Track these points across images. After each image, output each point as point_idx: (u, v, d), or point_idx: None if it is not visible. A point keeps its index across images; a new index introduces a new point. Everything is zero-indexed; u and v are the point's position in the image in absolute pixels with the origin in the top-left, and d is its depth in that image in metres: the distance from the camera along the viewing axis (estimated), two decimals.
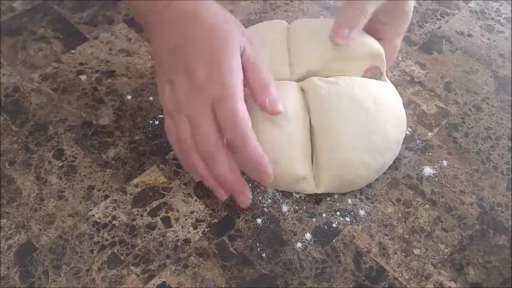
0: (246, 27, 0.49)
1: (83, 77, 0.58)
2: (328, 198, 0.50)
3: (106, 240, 0.47)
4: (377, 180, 0.51)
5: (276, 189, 0.50)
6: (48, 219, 0.48)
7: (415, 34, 0.65)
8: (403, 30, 0.54)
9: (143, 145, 0.53)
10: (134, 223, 0.48)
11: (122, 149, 0.53)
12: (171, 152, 0.52)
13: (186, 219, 0.48)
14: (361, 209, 0.50)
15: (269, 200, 0.50)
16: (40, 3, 0.66)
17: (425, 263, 0.47)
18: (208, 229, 0.48)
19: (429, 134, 0.55)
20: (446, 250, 0.47)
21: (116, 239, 0.47)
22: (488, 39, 0.65)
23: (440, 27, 0.66)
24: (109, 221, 0.48)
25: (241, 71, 0.43)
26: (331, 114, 0.49)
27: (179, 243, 0.47)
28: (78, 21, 0.64)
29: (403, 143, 0.53)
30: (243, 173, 0.52)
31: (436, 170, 0.53)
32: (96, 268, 0.45)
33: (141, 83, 0.58)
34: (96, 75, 0.59)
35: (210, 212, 0.49)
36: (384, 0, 0.49)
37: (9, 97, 0.56)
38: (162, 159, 0.52)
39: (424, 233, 0.48)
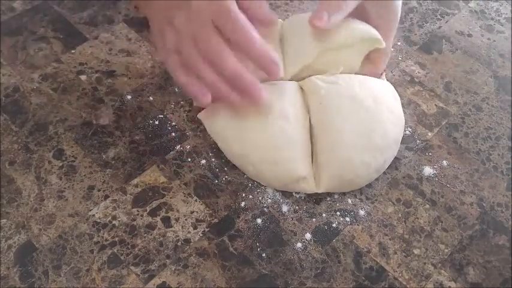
0: None
1: (83, 77, 0.58)
2: (328, 198, 0.50)
3: (106, 240, 0.47)
4: (377, 180, 0.51)
5: (276, 189, 0.50)
6: (48, 219, 0.48)
7: (415, 34, 0.65)
8: (393, 33, 0.53)
9: (143, 145, 0.53)
10: (134, 223, 0.48)
11: (122, 149, 0.53)
12: (171, 152, 0.52)
13: (186, 219, 0.48)
14: (361, 209, 0.50)
15: (269, 200, 0.50)
16: (40, 3, 0.65)
17: (425, 263, 0.47)
18: (208, 229, 0.48)
19: (429, 134, 0.55)
20: (446, 250, 0.47)
21: (116, 239, 0.47)
22: (488, 39, 0.65)
23: (440, 27, 0.66)
24: (109, 221, 0.48)
25: None
26: (331, 113, 0.49)
27: (179, 243, 0.47)
28: (78, 21, 0.64)
29: (403, 143, 0.53)
30: (243, 173, 0.52)
31: (436, 170, 0.53)
32: (96, 268, 0.45)
33: (141, 83, 0.58)
34: (96, 75, 0.59)
35: (210, 212, 0.49)
36: None
37: (9, 97, 0.56)
38: (162, 159, 0.52)
39: (424, 233, 0.48)
